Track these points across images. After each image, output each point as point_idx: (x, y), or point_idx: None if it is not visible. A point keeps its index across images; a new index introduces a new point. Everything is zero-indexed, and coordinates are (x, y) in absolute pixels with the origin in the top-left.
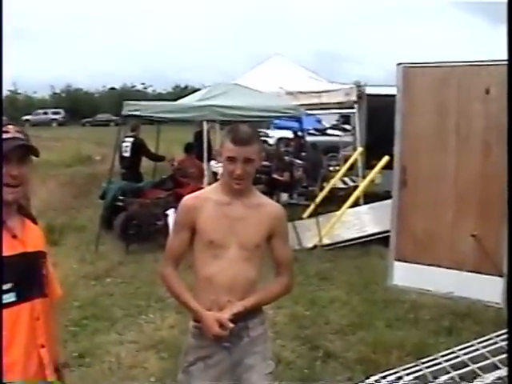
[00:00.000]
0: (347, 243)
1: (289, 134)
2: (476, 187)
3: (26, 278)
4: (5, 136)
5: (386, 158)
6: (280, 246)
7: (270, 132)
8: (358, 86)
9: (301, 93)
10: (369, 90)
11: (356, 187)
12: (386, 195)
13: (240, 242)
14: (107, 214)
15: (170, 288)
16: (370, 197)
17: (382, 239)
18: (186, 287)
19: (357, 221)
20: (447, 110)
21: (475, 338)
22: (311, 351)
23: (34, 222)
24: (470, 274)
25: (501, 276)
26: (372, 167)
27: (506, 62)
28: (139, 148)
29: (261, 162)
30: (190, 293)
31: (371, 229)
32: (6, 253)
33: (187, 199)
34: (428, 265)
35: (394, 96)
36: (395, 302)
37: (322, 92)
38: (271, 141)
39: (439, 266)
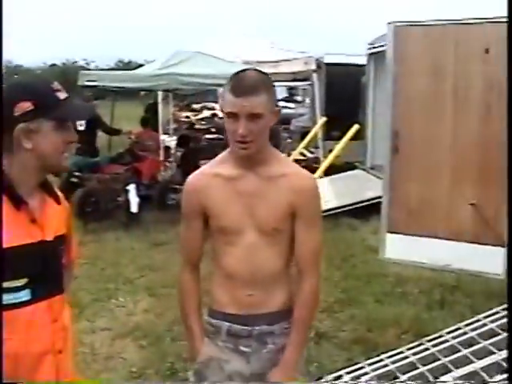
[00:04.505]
0: None
1: None
2: (475, 152)
3: (43, 272)
4: (62, 96)
5: (355, 127)
6: (302, 231)
7: (217, 105)
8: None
9: (259, 62)
10: (327, 59)
11: (316, 158)
12: (346, 167)
13: (257, 224)
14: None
15: (179, 302)
16: (330, 169)
17: (350, 211)
18: (197, 306)
19: (321, 194)
20: (443, 70)
21: (474, 312)
22: None
23: (58, 200)
24: (468, 244)
25: (502, 246)
26: (331, 138)
27: (506, 20)
28: (95, 121)
29: (275, 118)
30: (197, 315)
31: (335, 202)
32: (21, 241)
33: (191, 179)
34: (423, 236)
35: (353, 65)
36: (378, 276)
37: (281, 61)
38: (221, 113)
39: (435, 238)
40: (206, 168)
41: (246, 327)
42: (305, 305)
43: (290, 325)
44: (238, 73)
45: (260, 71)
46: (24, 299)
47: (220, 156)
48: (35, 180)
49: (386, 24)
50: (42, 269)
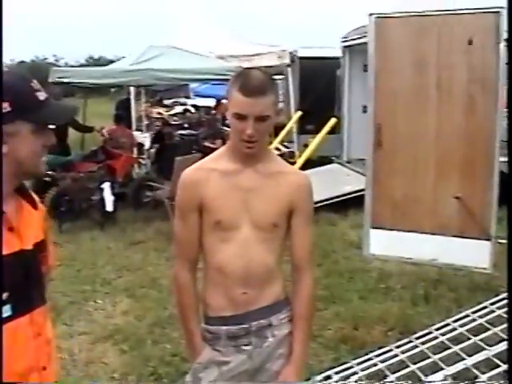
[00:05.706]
0: None
1: (210, 102)
2: (459, 145)
3: (25, 284)
4: (42, 97)
5: (333, 120)
6: (300, 228)
7: (189, 101)
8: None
9: (232, 56)
10: (301, 53)
11: (291, 153)
12: (322, 161)
13: (253, 220)
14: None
15: (179, 303)
16: (305, 163)
17: (328, 205)
18: (198, 308)
19: None
20: (426, 63)
21: (459, 306)
22: None
23: (34, 205)
24: (454, 238)
25: (488, 240)
26: (306, 132)
27: (489, 11)
28: None
29: (278, 118)
30: (198, 318)
31: (314, 196)
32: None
33: (188, 173)
34: (408, 231)
35: (328, 58)
36: (361, 271)
37: (255, 55)
38: (193, 109)
39: (421, 232)
40: (203, 163)
41: (243, 325)
42: (305, 302)
43: (285, 315)
44: (243, 72)
45: (263, 71)
46: (5, 315)
47: (217, 152)
48: (11, 186)
49: (367, 16)
50: (23, 281)
